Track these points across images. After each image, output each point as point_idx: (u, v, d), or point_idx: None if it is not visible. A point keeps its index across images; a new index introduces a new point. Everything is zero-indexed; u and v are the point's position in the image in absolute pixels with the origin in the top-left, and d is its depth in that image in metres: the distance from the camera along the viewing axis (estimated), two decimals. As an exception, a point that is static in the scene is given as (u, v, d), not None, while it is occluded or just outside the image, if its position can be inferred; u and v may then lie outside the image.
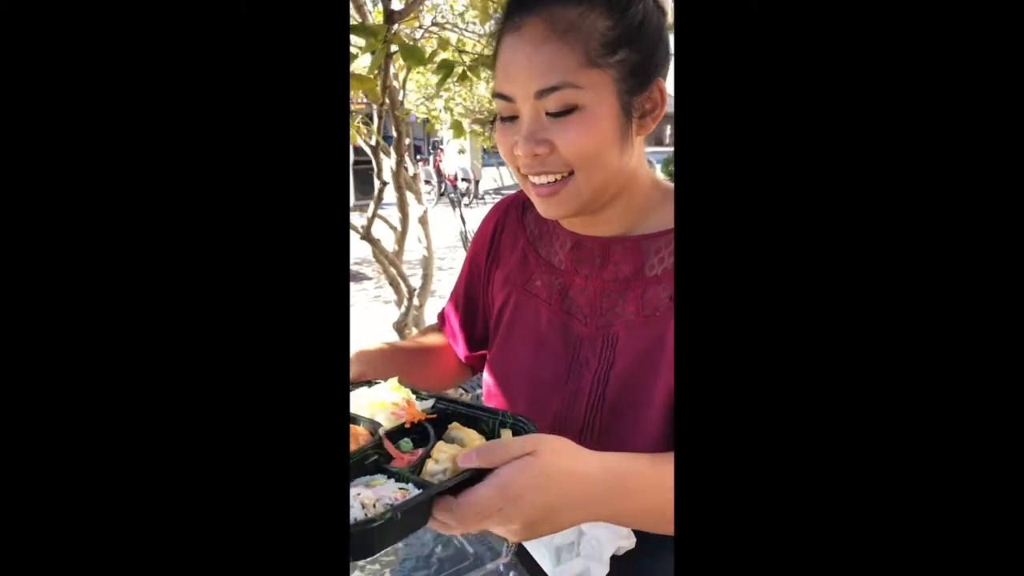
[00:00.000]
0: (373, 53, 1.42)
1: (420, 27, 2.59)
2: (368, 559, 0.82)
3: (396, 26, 1.49)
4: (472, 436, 0.62)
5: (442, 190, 12.34)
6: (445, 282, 4.82)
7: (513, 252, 0.86)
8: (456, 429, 0.64)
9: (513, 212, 0.89)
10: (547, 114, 0.66)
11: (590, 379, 0.74)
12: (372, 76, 1.50)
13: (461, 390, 2.44)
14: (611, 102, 0.66)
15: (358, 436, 0.62)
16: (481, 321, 0.92)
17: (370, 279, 6.19)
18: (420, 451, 0.60)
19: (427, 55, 1.66)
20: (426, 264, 2.70)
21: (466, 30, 2.87)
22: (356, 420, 0.65)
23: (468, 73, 1.72)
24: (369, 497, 0.52)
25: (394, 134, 2.11)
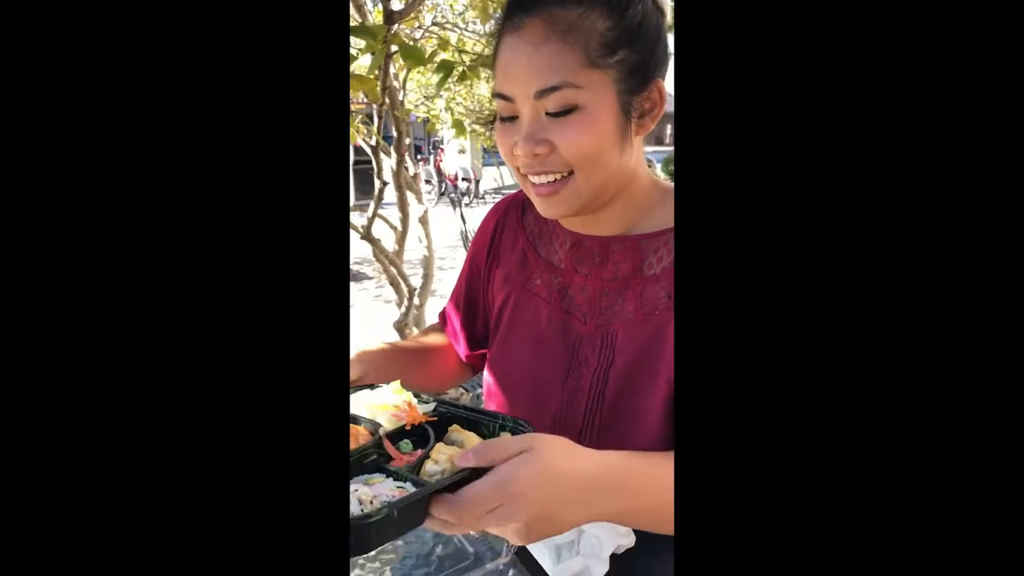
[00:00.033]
0: (373, 53, 1.42)
1: (420, 27, 2.59)
2: (368, 557, 0.82)
3: (396, 26, 1.49)
4: (472, 439, 0.63)
5: (442, 190, 12.33)
6: (445, 282, 4.82)
7: (513, 251, 0.86)
8: (456, 432, 0.64)
9: (513, 212, 0.89)
10: (547, 114, 0.66)
11: (589, 378, 0.74)
12: (372, 76, 1.50)
13: (461, 389, 2.44)
14: (611, 102, 0.66)
15: (359, 436, 0.62)
16: (482, 320, 0.92)
17: (370, 279, 6.19)
18: (419, 452, 0.60)
19: (427, 55, 1.67)
20: (426, 264, 2.70)
21: (466, 30, 2.87)
22: (357, 420, 0.66)
23: (468, 73, 1.72)
24: (367, 493, 0.52)
25: (394, 134, 2.11)
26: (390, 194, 2.26)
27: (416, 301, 2.42)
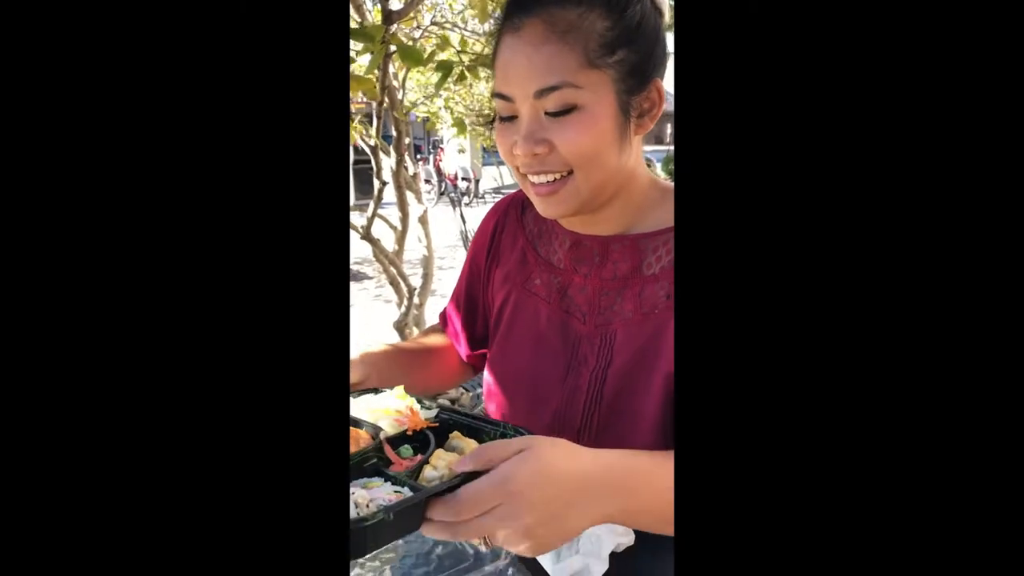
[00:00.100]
0: (372, 53, 1.42)
1: (419, 27, 2.59)
2: (368, 556, 0.82)
3: (394, 26, 1.49)
4: (472, 446, 0.62)
5: (442, 189, 12.32)
6: (445, 282, 4.83)
7: (513, 251, 0.87)
8: (456, 438, 0.64)
9: (513, 212, 0.89)
10: (546, 114, 0.66)
11: (588, 377, 0.74)
12: (371, 76, 1.50)
13: (461, 389, 2.44)
14: (610, 102, 0.66)
15: (359, 439, 0.62)
16: (482, 320, 0.92)
17: (370, 279, 6.19)
18: (419, 457, 0.60)
19: (426, 55, 1.67)
20: (426, 263, 2.70)
21: (465, 29, 2.87)
22: (359, 424, 0.66)
23: (467, 73, 1.72)
24: (364, 496, 0.52)
25: (394, 134, 2.12)
26: (390, 194, 2.26)
27: (416, 301, 2.42)
